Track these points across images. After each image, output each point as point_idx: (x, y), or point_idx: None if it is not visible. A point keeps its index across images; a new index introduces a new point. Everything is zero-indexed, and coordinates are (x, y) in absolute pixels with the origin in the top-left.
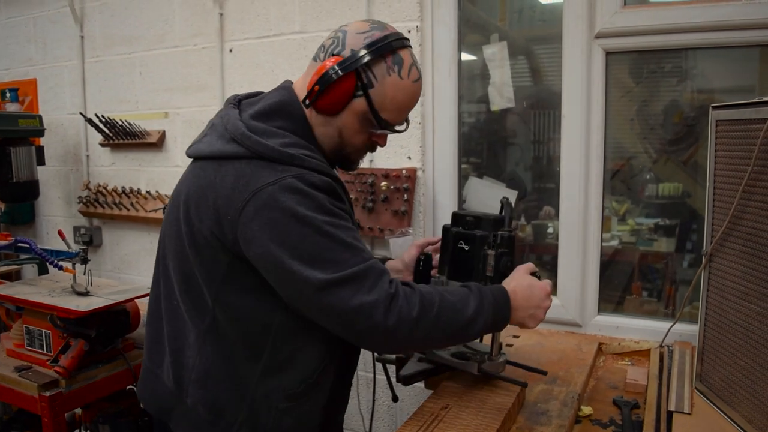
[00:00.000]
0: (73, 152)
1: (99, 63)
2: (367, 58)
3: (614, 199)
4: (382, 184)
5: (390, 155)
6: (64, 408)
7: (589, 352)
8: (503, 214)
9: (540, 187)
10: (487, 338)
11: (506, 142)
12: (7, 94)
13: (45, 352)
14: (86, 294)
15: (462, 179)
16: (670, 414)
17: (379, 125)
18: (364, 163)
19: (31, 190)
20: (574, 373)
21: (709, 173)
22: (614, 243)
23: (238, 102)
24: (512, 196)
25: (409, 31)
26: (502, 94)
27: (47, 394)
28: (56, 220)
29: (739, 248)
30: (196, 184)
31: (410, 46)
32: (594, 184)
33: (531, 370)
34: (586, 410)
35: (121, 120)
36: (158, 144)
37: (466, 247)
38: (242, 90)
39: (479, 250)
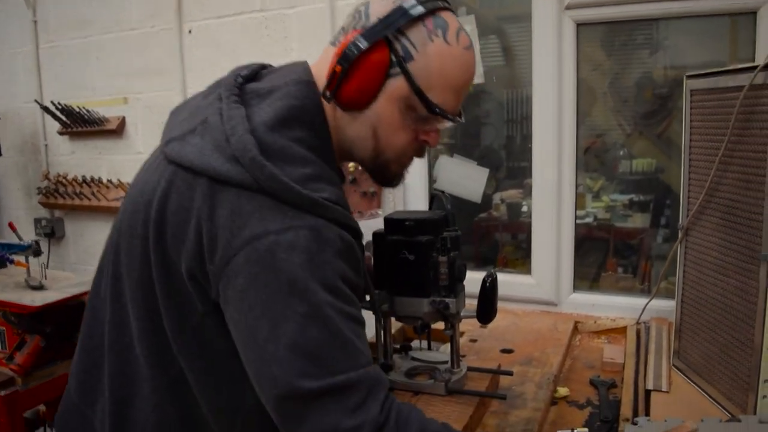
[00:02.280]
0: (30, 142)
1: (54, 48)
2: (400, 22)
3: (588, 176)
4: (350, 165)
5: None
6: (22, 407)
7: (565, 331)
8: (442, 210)
9: (514, 167)
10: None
11: (479, 122)
12: None
13: (0, 349)
14: (40, 288)
15: (432, 159)
16: (648, 392)
17: (429, 110)
18: None
19: None
20: (550, 353)
21: (684, 145)
22: (589, 220)
23: (240, 86)
24: (483, 174)
25: None
26: None
27: (2, 393)
28: (17, 212)
29: (716, 221)
30: (177, 202)
31: (452, 9)
32: (567, 160)
33: (496, 373)
34: (563, 391)
35: (78, 107)
36: (118, 131)
37: (411, 257)
38: (202, 73)
39: (427, 258)
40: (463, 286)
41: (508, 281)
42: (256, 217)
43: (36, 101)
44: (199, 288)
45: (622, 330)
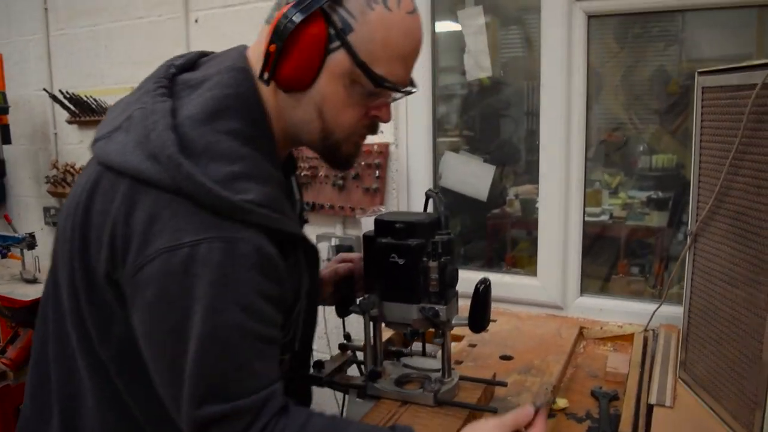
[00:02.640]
0: (41, 130)
1: (64, 36)
2: None
3: (606, 171)
4: None
5: None
6: (13, 401)
7: (569, 337)
8: (435, 211)
9: (533, 161)
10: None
11: (498, 114)
12: None
13: None
14: (34, 281)
15: (438, 155)
16: (650, 407)
17: (376, 84)
18: None
19: None
20: (551, 361)
21: (694, 145)
22: (604, 218)
23: (172, 77)
24: (490, 171)
25: None
26: (478, 63)
27: None
28: (27, 200)
29: (726, 228)
30: (101, 203)
31: None
32: (576, 157)
33: (489, 384)
34: (561, 403)
35: (86, 96)
36: None
37: (401, 261)
38: None
39: (417, 263)
40: (456, 293)
41: (512, 283)
42: (172, 225)
43: (45, 90)
44: (119, 294)
45: (629, 337)
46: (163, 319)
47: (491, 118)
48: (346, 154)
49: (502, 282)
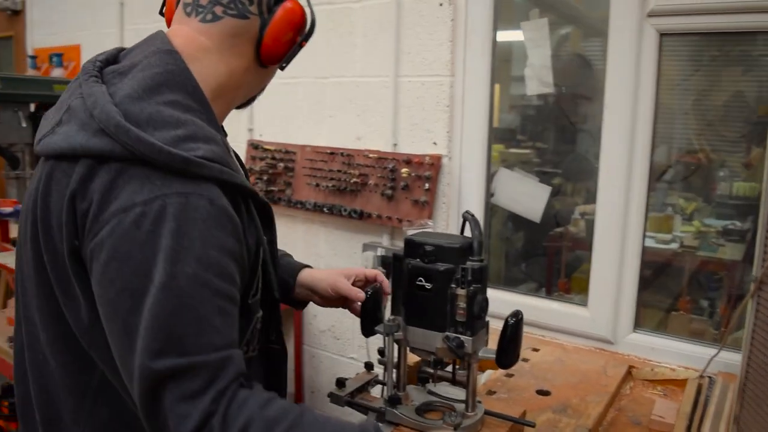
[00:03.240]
0: None
1: (136, 31)
2: None
3: (682, 196)
4: (404, 170)
5: (415, 139)
6: None
7: (616, 376)
8: (469, 234)
9: None
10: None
11: (575, 128)
12: (53, 60)
13: None
14: None
15: (490, 170)
16: None
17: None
18: (388, 147)
19: None
20: (591, 401)
21: (765, 180)
22: (674, 246)
23: (99, 70)
24: (545, 192)
25: (441, 4)
26: (539, 78)
27: None
28: None
29: None
30: (57, 192)
31: None
32: (638, 182)
33: (516, 422)
34: None
35: None
36: None
37: (428, 285)
38: None
39: (444, 289)
40: (486, 323)
41: (560, 311)
42: (126, 189)
43: None
44: (82, 271)
45: (682, 383)
46: (116, 278)
47: (566, 132)
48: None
49: (550, 309)
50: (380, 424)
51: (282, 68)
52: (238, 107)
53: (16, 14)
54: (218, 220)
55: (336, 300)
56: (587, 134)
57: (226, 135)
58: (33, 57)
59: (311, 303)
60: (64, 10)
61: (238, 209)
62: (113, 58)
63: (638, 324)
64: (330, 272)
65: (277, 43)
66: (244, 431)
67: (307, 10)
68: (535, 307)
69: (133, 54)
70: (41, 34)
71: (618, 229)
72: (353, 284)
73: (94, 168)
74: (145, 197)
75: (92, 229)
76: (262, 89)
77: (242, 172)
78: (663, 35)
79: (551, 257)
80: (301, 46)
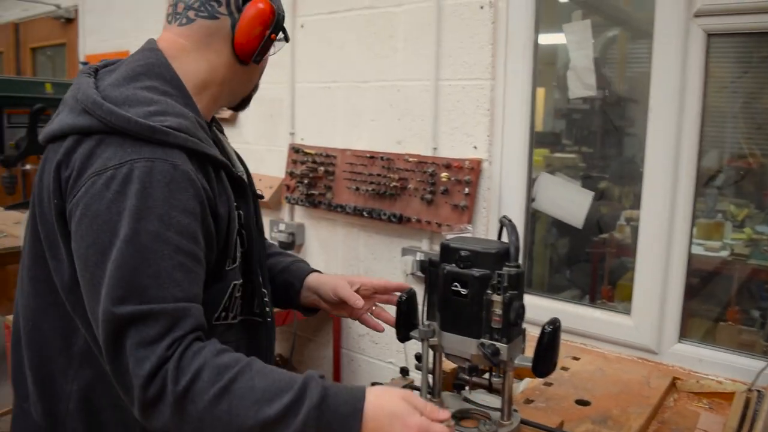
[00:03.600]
0: None
1: None
2: None
3: (734, 202)
4: (443, 174)
5: (455, 144)
6: None
7: (659, 387)
8: (506, 239)
9: None
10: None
11: (623, 132)
12: None
13: None
14: None
15: (532, 175)
16: None
17: (286, 38)
18: (428, 151)
19: None
20: (633, 413)
21: None
22: (724, 253)
23: (94, 71)
24: (587, 197)
25: (482, 7)
26: (582, 81)
27: None
28: None
29: None
30: (48, 169)
31: None
32: (684, 187)
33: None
34: None
35: None
36: (231, 120)
37: (464, 291)
38: (311, 67)
39: (480, 295)
40: (523, 330)
41: (602, 319)
42: (102, 156)
43: None
44: (65, 234)
45: (729, 396)
46: (87, 234)
47: (613, 136)
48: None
49: (592, 317)
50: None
51: (257, 62)
52: (235, 109)
53: (69, 22)
54: (181, 184)
55: (340, 306)
56: (634, 138)
57: (221, 130)
58: (84, 63)
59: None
60: (114, 18)
61: (208, 177)
62: (112, 62)
63: (684, 334)
64: (335, 277)
65: (248, 38)
66: (196, 376)
67: (276, 5)
68: (576, 314)
69: (125, 58)
70: (93, 40)
71: (663, 235)
72: (359, 292)
73: (79, 141)
74: (116, 162)
75: (71, 191)
76: (254, 87)
77: (240, 167)
78: (710, 35)
79: (596, 264)
80: (271, 39)
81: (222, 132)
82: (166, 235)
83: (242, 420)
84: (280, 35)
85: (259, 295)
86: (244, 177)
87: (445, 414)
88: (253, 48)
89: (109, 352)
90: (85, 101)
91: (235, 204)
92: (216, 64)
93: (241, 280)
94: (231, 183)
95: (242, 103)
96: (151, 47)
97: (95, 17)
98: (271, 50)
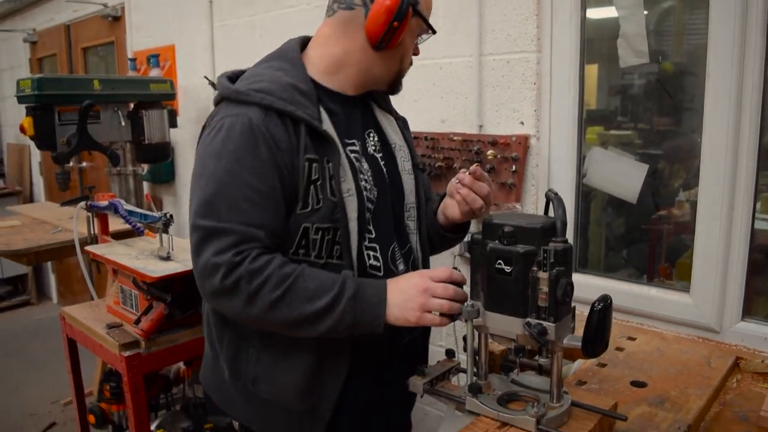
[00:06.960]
0: (204, 114)
1: (224, 27)
2: None
3: None
4: (489, 152)
5: (501, 120)
6: (142, 368)
7: (720, 368)
8: (552, 214)
9: None
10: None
11: (682, 106)
12: (150, 61)
13: (134, 311)
14: (167, 259)
15: (584, 150)
16: None
17: (433, 32)
18: (473, 129)
19: (162, 151)
20: (692, 394)
21: None
22: None
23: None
24: (642, 171)
25: None
26: (633, 48)
27: (126, 354)
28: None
29: None
30: None
31: None
32: (746, 158)
33: (605, 414)
34: None
35: None
36: None
37: (507, 269)
38: None
39: (525, 272)
40: (572, 309)
41: (659, 297)
42: (214, 117)
43: (205, 77)
44: None
45: None
46: (194, 166)
47: (670, 111)
48: (401, 81)
49: (648, 296)
50: (458, 411)
51: (381, 48)
52: (387, 92)
53: (117, 20)
54: (254, 134)
55: (468, 213)
56: (694, 112)
57: (380, 105)
58: (132, 59)
59: None
60: (159, 13)
61: (287, 130)
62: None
63: (748, 312)
64: (444, 201)
65: (375, 26)
66: (267, 279)
67: None
68: (632, 293)
69: None
70: (140, 37)
71: (724, 210)
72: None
73: (215, 108)
74: (219, 118)
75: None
76: (398, 72)
77: (372, 140)
78: None
79: (653, 242)
80: (393, 26)
81: (381, 106)
82: (238, 173)
83: (299, 311)
84: (424, 26)
85: (347, 244)
86: (332, 133)
87: (445, 273)
88: (379, 34)
89: (193, 253)
90: (219, 80)
91: (316, 156)
92: (351, 49)
93: (316, 225)
94: (314, 137)
95: (392, 87)
96: (290, 44)
97: (141, 14)
98: (417, 39)
